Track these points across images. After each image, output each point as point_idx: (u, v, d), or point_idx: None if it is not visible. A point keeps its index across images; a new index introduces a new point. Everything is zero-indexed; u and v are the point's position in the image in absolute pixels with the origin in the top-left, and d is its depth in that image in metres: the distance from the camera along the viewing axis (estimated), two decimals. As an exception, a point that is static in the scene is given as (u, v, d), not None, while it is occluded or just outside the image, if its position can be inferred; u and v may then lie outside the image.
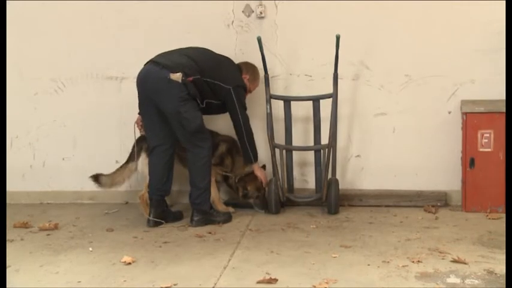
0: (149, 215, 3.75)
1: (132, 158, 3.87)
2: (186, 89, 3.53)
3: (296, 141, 4.13)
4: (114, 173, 3.90)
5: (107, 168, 4.08)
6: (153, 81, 3.56)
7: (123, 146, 4.11)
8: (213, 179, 3.80)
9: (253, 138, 3.86)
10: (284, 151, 4.03)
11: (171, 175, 3.77)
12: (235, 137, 3.84)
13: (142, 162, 3.83)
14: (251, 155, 3.85)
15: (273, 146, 3.97)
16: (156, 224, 3.73)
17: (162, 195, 3.75)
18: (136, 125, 3.82)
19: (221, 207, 3.90)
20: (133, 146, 3.89)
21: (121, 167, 3.91)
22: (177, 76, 3.50)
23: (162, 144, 3.69)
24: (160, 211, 3.76)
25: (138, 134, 3.83)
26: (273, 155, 3.99)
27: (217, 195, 3.89)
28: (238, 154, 3.93)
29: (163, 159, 3.70)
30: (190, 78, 3.56)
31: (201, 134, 3.60)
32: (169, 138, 3.69)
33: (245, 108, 3.83)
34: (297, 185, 4.20)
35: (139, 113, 3.82)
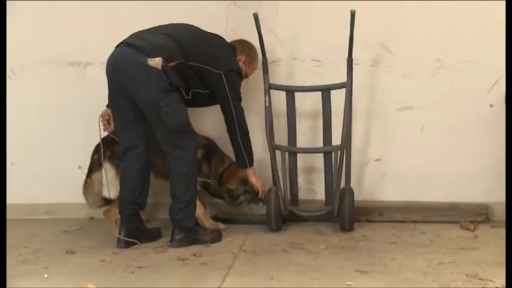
0: (120, 234, 3.74)
1: (95, 167, 3.85)
2: (167, 77, 3.52)
3: (301, 141, 4.13)
4: (84, 193, 3.88)
5: (68, 175, 4.13)
6: (126, 67, 3.55)
7: (88, 147, 4.07)
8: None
9: (248, 136, 3.84)
10: (286, 154, 4.01)
11: (147, 184, 3.76)
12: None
13: (107, 172, 3.80)
14: (246, 158, 3.85)
15: (272, 148, 3.96)
16: (128, 245, 3.73)
17: (135, 208, 3.74)
18: (101, 119, 3.77)
19: (208, 223, 3.90)
20: (95, 150, 3.88)
21: (86, 183, 3.87)
22: (155, 61, 3.50)
23: (136, 146, 3.68)
24: (134, 228, 3.75)
25: (103, 133, 3.80)
26: (273, 159, 3.98)
27: (201, 209, 3.90)
28: (214, 156, 3.97)
29: (137, 165, 3.69)
30: (173, 64, 3.57)
31: (184, 133, 3.59)
32: (145, 138, 3.69)
33: (240, 99, 3.82)
34: (302, 195, 4.20)
35: (107, 106, 3.81)
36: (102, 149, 3.76)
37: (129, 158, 3.70)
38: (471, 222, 3.99)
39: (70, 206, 4.21)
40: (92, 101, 4.02)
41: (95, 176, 3.83)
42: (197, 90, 3.72)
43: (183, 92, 3.62)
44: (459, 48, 4.08)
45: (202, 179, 3.93)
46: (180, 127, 3.56)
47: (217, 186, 3.98)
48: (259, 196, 4.00)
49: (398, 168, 4.21)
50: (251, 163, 3.89)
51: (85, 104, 4.17)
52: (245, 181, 3.96)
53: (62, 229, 4.07)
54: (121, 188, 3.74)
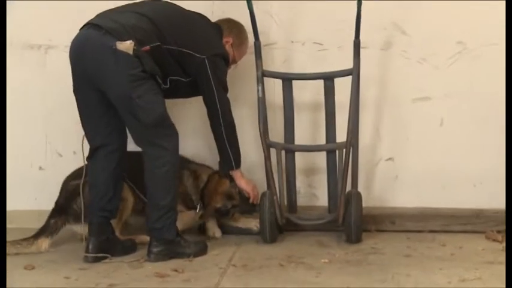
0: (88, 247, 3.69)
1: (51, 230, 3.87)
2: (139, 63, 3.50)
3: (300, 138, 4.09)
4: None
5: (27, 177, 4.06)
6: (92, 52, 3.52)
7: (50, 145, 4.08)
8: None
9: (235, 133, 3.83)
10: (283, 152, 4.00)
11: (120, 188, 3.74)
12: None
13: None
14: (232, 158, 3.83)
15: (267, 145, 3.92)
16: (98, 259, 3.68)
17: (106, 216, 3.71)
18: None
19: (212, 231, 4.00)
20: (73, 176, 3.89)
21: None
22: (126, 45, 3.47)
23: (107, 145, 3.66)
24: (104, 240, 3.70)
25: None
26: (267, 158, 3.93)
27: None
28: (183, 172, 3.95)
29: (108, 166, 3.67)
30: (147, 48, 3.54)
31: (162, 128, 3.56)
32: (118, 135, 3.67)
33: (225, 89, 3.80)
34: (301, 201, 4.18)
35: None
36: (84, 175, 3.78)
37: (98, 158, 3.68)
38: (498, 232, 3.95)
39: (28, 214, 4.13)
40: (54, 91, 4.04)
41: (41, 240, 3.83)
42: (176, 78, 3.71)
43: (160, 81, 3.61)
44: (484, 29, 4.05)
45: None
46: (156, 121, 3.54)
47: (201, 206, 4.02)
48: (252, 201, 3.99)
49: (413, 169, 4.19)
50: (238, 164, 3.87)
51: (46, 95, 4.16)
52: (230, 196, 3.99)
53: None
54: (89, 193, 3.72)
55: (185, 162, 3.99)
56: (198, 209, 4.00)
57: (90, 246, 3.67)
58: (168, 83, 3.67)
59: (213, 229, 4.06)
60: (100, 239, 3.68)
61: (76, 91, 3.65)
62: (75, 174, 3.89)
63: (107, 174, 3.69)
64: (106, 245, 3.70)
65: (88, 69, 3.54)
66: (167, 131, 3.60)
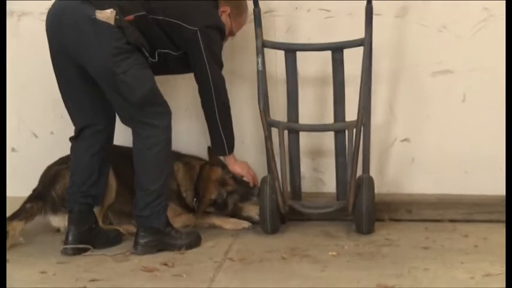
0: (67, 237, 3.67)
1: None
2: (123, 34, 3.49)
3: (305, 116, 4.08)
4: None
5: None
6: (70, 23, 3.52)
7: (24, 124, 4.12)
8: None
9: (229, 114, 3.82)
10: (286, 132, 3.97)
11: (105, 172, 3.75)
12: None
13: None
14: (225, 142, 3.84)
15: (267, 125, 3.89)
16: (78, 251, 3.66)
17: (89, 203, 3.71)
18: None
19: (229, 224, 4.01)
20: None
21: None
22: (107, 14, 3.47)
23: (93, 124, 3.67)
24: (85, 230, 3.69)
25: None
26: (268, 139, 3.90)
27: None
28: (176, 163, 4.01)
29: (94, 146, 3.68)
30: (130, 17, 3.54)
31: (152, 106, 3.57)
32: (104, 114, 3.68)
33: (220, 64, 3.79)
34: (306, 187, 4.19)
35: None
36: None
37: (83, 138, 3.69)
38: (527, 221, 3.90)
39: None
40: (28, 63, 4.04)
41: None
42: (165, 51, 3.71)
43: (147, 54, 3.60)
44: (513, -6, 3.92)
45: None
46: (144, 99, 3.54)
47: (194, 201, 4.05)
48: (252, 185, 4.01)
49: (432, 151, 4.17)
50: (231, 149, 3.87)
51: (19, 67, 4.13)
52: (223, 183, 4.02)
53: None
54: (71, 176, 3.74)
55: (177, 156, 4.03)
56: (195, 208, 4.05)
57: (70, 237, 3.65)
58: (157, 57, 3.66)
59: (251, 210, 4.07)
60: (81, 229, 3.67)
61: (55, 66, 3.65)
62: (61, 161, 3.94)
63: (91, 155, 3.69)
64: (87, 236, 3.68)
65: (66, 43, 3.53)
66: (158, 109, 3.59)
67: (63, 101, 3.69)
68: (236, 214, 4.10)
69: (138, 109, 3.55)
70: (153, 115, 3.57)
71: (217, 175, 4.01)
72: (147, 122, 3.56)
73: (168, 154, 3.65)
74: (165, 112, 3.60)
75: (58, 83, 3.67)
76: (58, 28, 3.53)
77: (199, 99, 3.86)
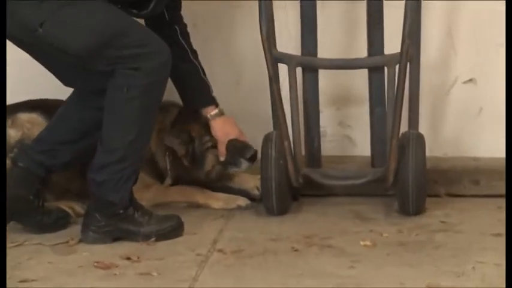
0: None
1: None
2: None
3: (327, 48, 3.90)
4: None
5: None
6: None
7: None
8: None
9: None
10: (299, 71, 3.81)
11: (93, 135, 3.60)
12: None
13: None
14: (210, 87, 3.80)
15: (273, 60, 3.70)
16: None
17: (46, 166, 3.61)
18: None
19: (219, 202, 3.88)
20: None
21: None
22: None
23: (88, 84, 3.62)
24: (25, 203, 3.56)
25: None
26: (274, 81, 3.70)
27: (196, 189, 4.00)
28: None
29: (92, 105, 3.60)
30: None
31: (117, 50, 3.42)
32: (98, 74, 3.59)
33: None
34: (328, 148, 4.06)
35: None
36: None
37: (81, 95, 3.64)
38: None
39: None
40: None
41: None
42: None
43: None
44: None
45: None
46: (95, 47, 3.41)
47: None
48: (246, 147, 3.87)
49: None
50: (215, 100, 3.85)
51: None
52: (194, 131, 3.91)
53: None
54: (50, 124, 3.68)
55: None
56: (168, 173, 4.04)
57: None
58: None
59: (248, 182, 3.98)
60: (20, 192, 3.53)
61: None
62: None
63: (85, 113, 3.62)
64: (24, 213, 3.54)
65: None
66: (134, 51, 3.45)
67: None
68: (226, 187, 4.02)
69: (95, 58, 3.43)
70: (126, 59, 3.46)
71: (184, 124, 3.95)
72: (119, 67, 3.46)
73: (147, 105, 3.53)
74: (149, 53, 3.48)
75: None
76: None
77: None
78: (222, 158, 3.95)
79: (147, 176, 3.94)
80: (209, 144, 3.96)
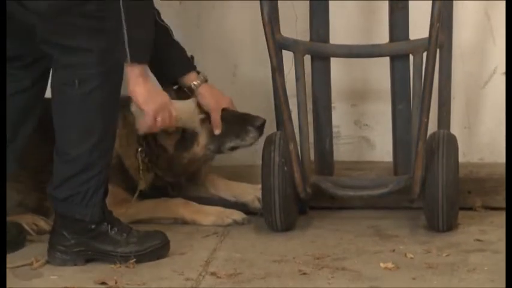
0: None
1: None
2: None
3: (340, 33, 3.93)
4: None
5: None
6: None
7: None
8: None
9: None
10: (308, 59, 3.79)
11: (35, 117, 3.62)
12: None
13: None
14: (184, 49, 3.83)
15: (276, 46, 3.67)
16: None
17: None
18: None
19: (207, 218, 3.82)
20: None
21: None
22: None
23: (20, 56, 3.58)
24: None
25: None
26: (278, 72, 3.65)
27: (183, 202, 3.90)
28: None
29: (21, 83, 3.56)
30: None
31: (73, 17, 3.35)
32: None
33: None
34: (342, 152, 4.09)
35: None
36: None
37: (11, 72, 3.57)
38: None
39: None
40: None
41: None
42: None
43: None
44: None
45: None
46: (56, 7, 3.34)
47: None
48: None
49: None
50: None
51: None
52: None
53: None
54: None
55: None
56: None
57: None
58: None
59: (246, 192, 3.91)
60: None
61: None
62: None
63: (14, 94, 3.53)
64: None
65: None
66: (90, 23, 3.39)
67: None
68: (222, 199, 3.96)
69: (49, 23, 3.38)
70: (79, 32, 3.38)
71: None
72: (69, 43, 3.39)
73: (107, 98, 3.46)
74: (108, 29, 3.41)
75: None
76: None
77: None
78: (217, 131, 3.87)
79: (115, 186, 3.86)
80: (201, 116, 3.87)
